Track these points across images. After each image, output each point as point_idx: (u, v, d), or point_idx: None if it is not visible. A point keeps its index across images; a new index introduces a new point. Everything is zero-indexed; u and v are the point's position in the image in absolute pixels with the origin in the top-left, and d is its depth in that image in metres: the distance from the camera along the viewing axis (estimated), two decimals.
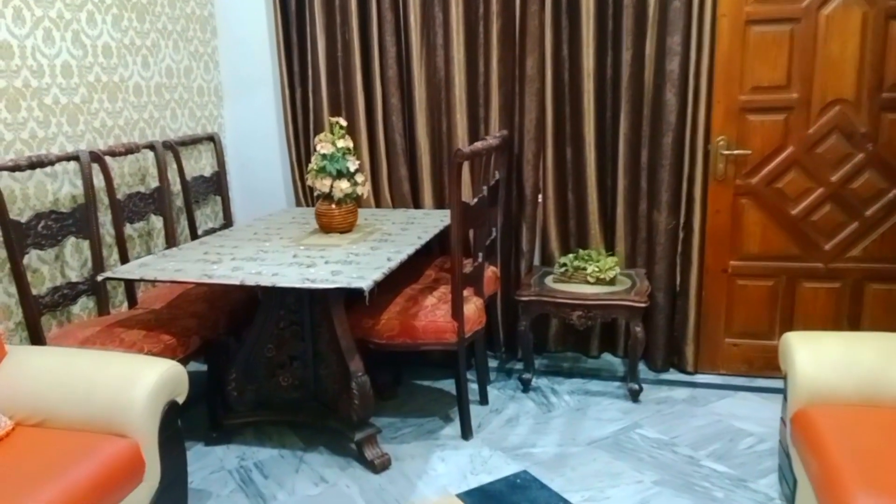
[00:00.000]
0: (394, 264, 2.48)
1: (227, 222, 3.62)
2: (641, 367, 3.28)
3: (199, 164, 3.61)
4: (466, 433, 2.79)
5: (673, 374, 3.34)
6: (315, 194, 2.95)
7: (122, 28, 3.05)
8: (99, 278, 2.55)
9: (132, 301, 2.96)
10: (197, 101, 3.58)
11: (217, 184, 3.61)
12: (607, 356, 3.54)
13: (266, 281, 2.32)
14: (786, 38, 2.96)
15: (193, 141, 3.50)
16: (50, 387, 2.04)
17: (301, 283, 2.29)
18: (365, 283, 2.24)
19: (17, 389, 2.04)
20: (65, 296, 2.64)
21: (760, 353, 3.21)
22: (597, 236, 3.39)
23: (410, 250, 2.67)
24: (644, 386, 3.11)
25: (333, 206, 2.91)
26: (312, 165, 2.91)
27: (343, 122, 2.91)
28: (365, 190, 2.96)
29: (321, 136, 2.90)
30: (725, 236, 3.16)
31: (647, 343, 3.27)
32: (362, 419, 2.58)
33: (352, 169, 2.88)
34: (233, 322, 2.86)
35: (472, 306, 2.78)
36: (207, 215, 3.67)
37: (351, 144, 2.91)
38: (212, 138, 3.62)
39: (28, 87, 2.60)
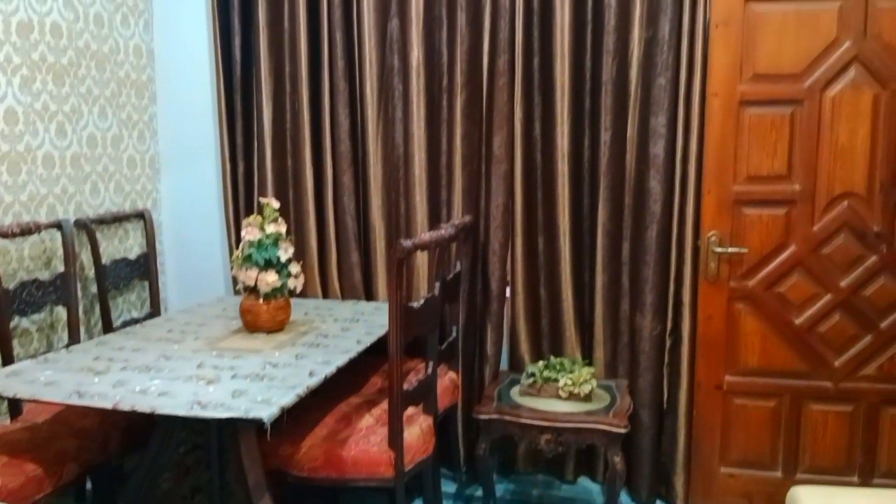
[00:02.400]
0: (314, 383, 2.03)
1: (154, 311, 3.17)
2: (624, 497, 2.78)
3: (125, 244, 3.19)
4: None
5: None
6: (237, 287, 2.52)
7: (33, 91, 2.68)
8: None
9: (15, 410, 2.48)
10: (126, 173, 3.19)
11: (144, 267, 3.18)
12: (585, 481, 3.04)
13: (147, 404, 1.87)
14: (786, 122, 2.60)
15: (117, 218, 3.09)
16: None
17: (188, 408, 1.84)
18: (266, 413, 1.79)
19: None
20: None
21: (762, 487, 2.72)
22: (572, 339, 2.95)
23: (342, 361, 2.22)
24: None
25: (260, 301, 2.48)
26: (237, 253, 2.49)
27: (275, 204, 2.52)
28: (298, 283, 2.54)
29: (248, 219, 2.50)
30: (719, 346, 2.72)
31: (630, 470, 2.79)
32: None
33: (283, 258, 2.47)
34: (128, 442, 2.38)
35: (417, 430, 2.31)
36: (132, 303, 3.22)
37: (283, 229, 2.50)
38: (142, 215, 3.21)
39: None
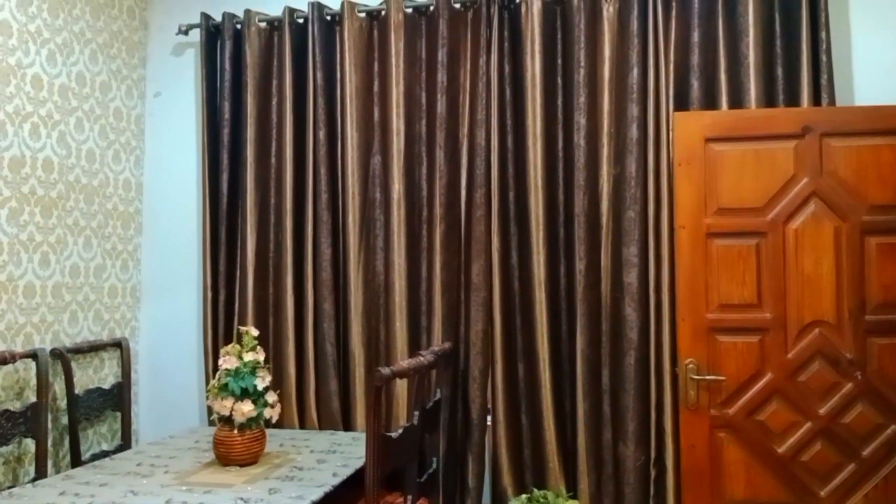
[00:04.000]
0: None
1: (125, 443, 3.09)
2: None
3: (101, 373, 3.14)
4: None
5: None
6: (210, 417, 2.48)
7: (20, 223, 2.74)
8: None
9: None
10: (107, 302, 3.20)
11: (118, 397, 3.13)
12: None
13: None
14: (752, 253, 2.70)
15: (94, 348, 3.07)
16: None
17: None
18: None
19: None
20: None
21: None
22: (556, 470, 2.89)
23: (316, 496, 2.15)
24: None
25: (235, 432, 2.43)
26: (214, 382, 2.47)
27: (254, 332, 2.52)
28: (275, 413, 2.50)
29: (227, 348, 2.50)
30: (704, 477, 2.66)
31: None
32: None
33: (259, 387, 2.44)
34: None
35: None
36: (103, 434, 3.13)
37: (262, 358, 2.50)
38: (119, 344, 3.19)
39: None
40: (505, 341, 2.97)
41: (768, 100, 2.80)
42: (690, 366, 2.69)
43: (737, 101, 2.81)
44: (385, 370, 2.18)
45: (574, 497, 2.74)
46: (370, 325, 3.10)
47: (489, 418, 2.99)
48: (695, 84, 2.85)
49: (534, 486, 2.83)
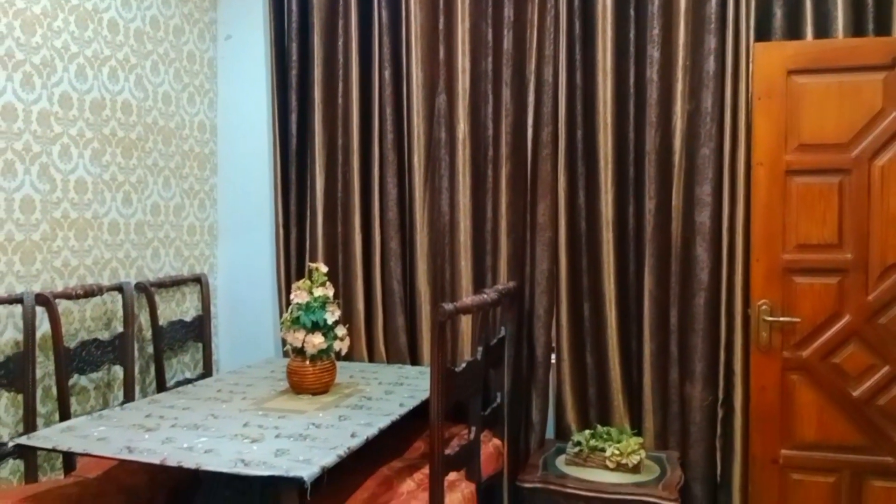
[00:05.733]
0: (356, 444, 2.04)
1: (207, 372, 3.26)
2: None
3: (182, 307, 3.31)
4: None
5: None
6: (284, 348, 2.58)
7: (103, 163, 2.87)
8: (10, 444, 2.17)
9: (69, 466, 2.55)
10: (186, 239, 3.34)
11: (199, 329, 3.29)
12: None
13: (193, 460, 1.91)
14: (834, 192, 2.58)
15: (176, 282, 3.22)
16: None
17: (231, 466, 1.87)
18: (307, 473, 1.81)
19: None
20: None
21: None
22: (620, 408, 2.90)
23: (384, 423, 2.23)
24: None
25: (307, 363, 2.53)
26: (286, 316, 2.56)
27: (323, 268, 2.59)
28: (344, 346, 2.58)
29: (298, 283, 2.58)
30: (774, 419, 2.62)
31: None
32: None
33: (329, 321, 2.52)
34: (175, 501, 2.40)
35: (458, 497, 2.28)
36: (186, 363, 3.32)
37: (331, 293, 2.57)
38: (199, 279, 3.34)
39: None
40: (570, 281, 2.96)
41: (856, 29, 2.62)
42: (763, 307, 2.62)
43: (822, 30, 2.65)
44: (448, 306, 2.21)
45: (638, 435, 2.75)
46: (436, 265, 3.14)
47: (553, 357, 3.01)
48: (777, 13, 2.69)
49: (598, 423, 2.86)
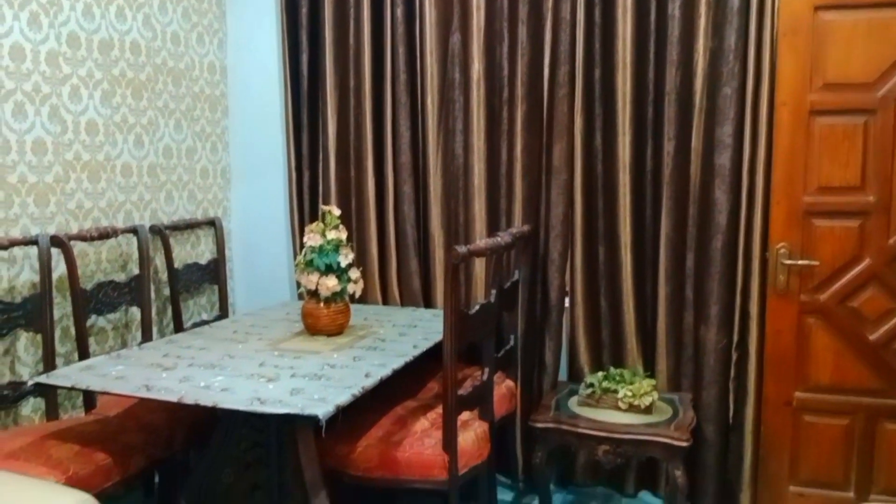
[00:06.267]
0: (370, 384, 2.06)
1: (223, 314, 3.29)
2: None
3: (197, 250, 3.32)
4: None
5: None
6: (299, 290, 2.59)
7: (113, 105, 2.84)
8: (30, 383, 2.21)
9: (89, 404, 2.61)
10: (199, 182, 3.33)
11: (215, 272, 3.31)
12: (646, 496, 2.96)
13: (210, 399, 1.94)
14: (859, 132, 2.51)
15: (190, 225, 3.23)
16: None
17: (247, 404, 1.89)
18: (322, 411, 1.83)
19: None
20: (3, 397, 2.32)
21: None
22: (634, 351, 2.90)
23: (397, 364, 2.25)
24: None
25: (321, 305, 2.54)
26: (300, 258, 2.56)
27: (336, 211, 2.58)
28: (358, 288, 2.59)
29: (311, 226, 2.57)
30: (789, 362, 2.62)
31: (694, 485, 2.70)
32: None
33: (343, 264, 2.52)
34: (193, 437, 2.46)
35: (472, 435, 2.30)
36: (202, 305, 3.35)
37: (344, 235, 2.56)
38: (213, 223, 3.34)
39: None
40: (585, 225, 2.93)
41: None
42: (782, 250, 2.58)
43: None
44: (462, 248, 2.20)
45: (651, 377, 2.76)
46: (449, 208, 3.11)
47: (567, 300, 3.01)
48: None
49: (611, 365, 2.86)
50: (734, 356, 2.75)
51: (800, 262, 2.57)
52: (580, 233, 2.92)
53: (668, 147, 2.79)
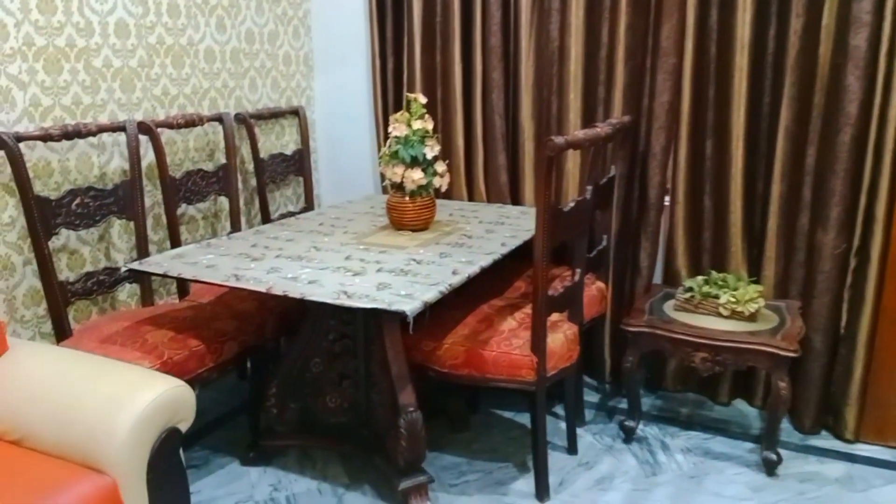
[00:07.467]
0: (457, 281, 1.98)
1: (308, 205, 3.27)
2: (784, 425, 2.57)
3: (282, 140, 3.27)
4: (542, 493, 2.24)
5: (825, 440, 2.59)
6: (383, 183, 2.50)
7: None
8: (123, 269, 2.25)
9: (183, 291, 2.66)
10: (282, 70, 3.23)
11: (299, 163, 3.26)
12: (740, 404, 2.84)
13: (297, 290, 1.91)
14: None
15: (274, 115, 3.15)
16: (32, 400, 1.73)
17: (334, 297, 1.85)
18: (409, 307, 1.76)
19: (2, 398, 1.76)
20: (100, 282, 2.37)
21: None
22: (738, 255, 2.70)
23: (485, 262, 2.15)
24: (785, 454, 2.41)
25: (406, 198, 2.45)
26: (384, 150, 2.46)
27: (423, 100, 2.43)
28: (444, 182, 2.47)
29: (396, 115, 2.44)
30: None
31: (794, 397, 2.55)
32: (410, 464, 2.12)
33: (429, 156, 2.40)
34: (284, 326, 2.48)
35: (561, 337, 2.21)
36: (288, 197, 3.33)
37: (430, 126, 2.43)
38: (296, 112, 3.26)
39: (73, 46, 2.32)
40: (693, 115, 2.67)
41: None
42: None
43: None
44: (559, 139, 2.02)
45: (756, 283, 2.56)
46: (541, 97, 2.90)
47: (667, 198, 2.80)
48: None
49: (711, 269, 2.68)
50: (852, 263, 2.51)
51: None
52: (686, 124, 2.67)
53: (796, 24, 2.46)
